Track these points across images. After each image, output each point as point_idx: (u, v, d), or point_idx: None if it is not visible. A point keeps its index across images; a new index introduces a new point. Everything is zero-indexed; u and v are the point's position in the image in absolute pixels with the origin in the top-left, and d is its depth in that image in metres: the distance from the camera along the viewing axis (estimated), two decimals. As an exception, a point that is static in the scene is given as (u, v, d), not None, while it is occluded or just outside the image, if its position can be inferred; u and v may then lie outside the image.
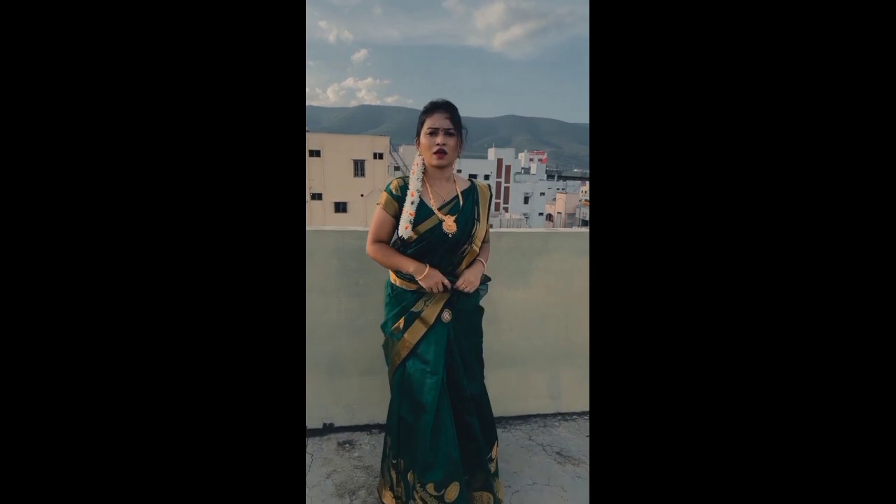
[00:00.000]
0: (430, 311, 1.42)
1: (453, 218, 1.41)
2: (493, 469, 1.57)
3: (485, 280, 1.52)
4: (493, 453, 1.59)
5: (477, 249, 1.47)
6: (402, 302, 1.45)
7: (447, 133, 1.37)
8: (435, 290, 1.39)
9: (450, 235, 1.39)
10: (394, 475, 1.49)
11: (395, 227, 1.43)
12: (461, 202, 1.44)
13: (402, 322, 1.44)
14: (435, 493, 1.35)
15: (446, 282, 1.39)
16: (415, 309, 1.43)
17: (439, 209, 1.41)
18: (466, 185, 1.50)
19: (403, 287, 1.44)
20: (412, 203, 1.37)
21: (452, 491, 1.35)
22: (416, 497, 1.38)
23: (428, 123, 1.38)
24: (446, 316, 1.42)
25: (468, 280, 1.42)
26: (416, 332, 1.42)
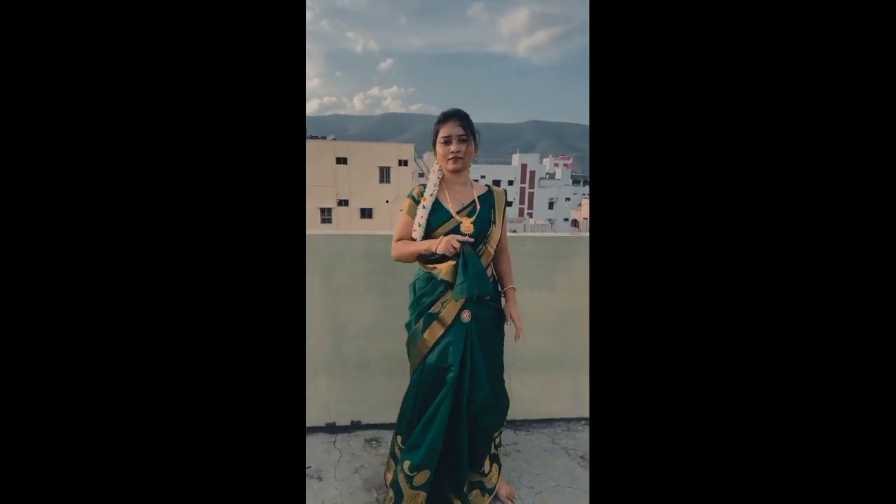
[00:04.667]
0: (448, 313, 1.48)
1: (471, 220, 1.48)
2: (480, 482, 1.60)
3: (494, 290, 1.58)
4: (486, 468, 1.61)
5: (492, 251, 1.52)
6: (422, 304, 1.52)
7: (460, 140, 1.45)
8: (452, 251, 1.39)
9: (467, 236, 1.45)
10: (396, 450, 1.62)
11: None
12: (478, 206, 1.52)
13: (421, 323, 1.51)
14: (407, 472, 1.46)
15: (455, 241, 1.40)
16: (433, 311, 1.49)
17: (458, 212, 1.49)
18: (483, 190, 1.58)
19: (430, 272, 1.48)
20: (423, 208, 1.48)
21: (422, 476, 1.45)
22: (399, 471, 1.49)
23: (441, 133, 1.47)
24: (465, 316, 1.48)
25: (515, 317, 1.56)
26: (435, 332, 1.49)
